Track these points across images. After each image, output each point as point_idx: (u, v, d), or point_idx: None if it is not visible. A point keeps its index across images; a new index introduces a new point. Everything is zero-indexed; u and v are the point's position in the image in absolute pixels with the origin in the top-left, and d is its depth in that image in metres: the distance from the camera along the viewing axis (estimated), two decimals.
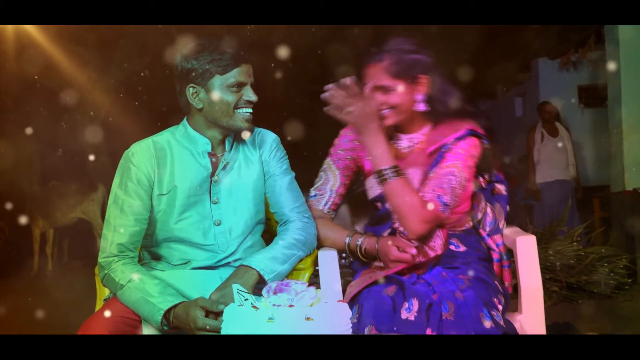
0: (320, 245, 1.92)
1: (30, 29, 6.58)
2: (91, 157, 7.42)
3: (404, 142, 1.91)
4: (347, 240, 1.86)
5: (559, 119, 6.43)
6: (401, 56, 1.80)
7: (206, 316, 1.53)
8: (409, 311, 1.58)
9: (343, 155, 1.96)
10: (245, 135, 1.81)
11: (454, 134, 1.81)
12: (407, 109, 1.83)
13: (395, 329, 1.56)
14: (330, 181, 1.95)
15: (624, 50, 5.08)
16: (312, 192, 1.98)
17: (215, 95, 1.71)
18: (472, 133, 1.82)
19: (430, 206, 1.71)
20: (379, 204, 1.90)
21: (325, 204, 1.94)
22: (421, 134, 1.90)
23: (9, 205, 6.70)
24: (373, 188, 1.91)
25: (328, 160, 1.98)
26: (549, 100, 6.57)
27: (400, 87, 1.80)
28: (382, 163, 1.75)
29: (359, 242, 1.83)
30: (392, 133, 1.92)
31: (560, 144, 6.07)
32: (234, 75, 1.72)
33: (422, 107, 1.83)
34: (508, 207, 1.95)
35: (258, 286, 1.67)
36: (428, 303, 1.60)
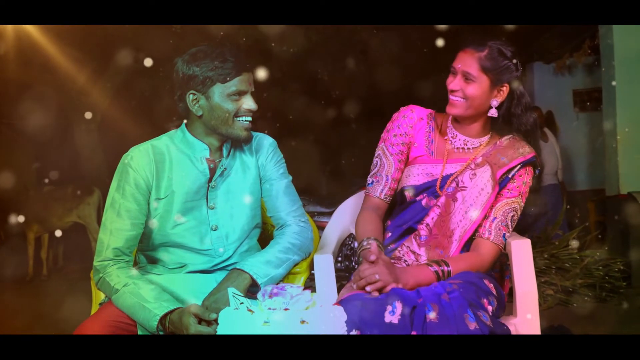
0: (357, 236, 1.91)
1: (30, 29, 6.54)
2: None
3: (458, 141, 1.91)
4: (363, 241, 1.84)
5: (549, 124, 6.44)
6: (499, 56, 1.82)
7: (199, 323, 1.54)
8: (393, 314, 1.56)
9: (395, 140, 1.94)
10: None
11: (520, 158, 1.86)
12: (477, 106, 1.84)
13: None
14: (385, 167, 1.94)
15: (618, 55, 5.09)
16: (369, 180, 1.97)
17: (215, 103, 1.71)
18: (534, 161, 1.87)
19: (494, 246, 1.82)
20: (408, 194, 1.90)
21: (381, 191, 1.94)
22: (478, 141, 1.91)
23: (3, 210, 6.67)
24: (410, 177, 1.91)
25: (382, 146, 1.96)
26: (544, 105, 6.58)
27: (484, 83, 1.81)
28: (440, 277, 1.74)
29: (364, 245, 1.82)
30: (449, 127, 1.93)
31: (551, 149, 6.11)
32: (235, 84, 1.71)
33: (493, 112, 1.86)
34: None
35: (252, 290, 1.67)
36: (412, 306, 1.58)
